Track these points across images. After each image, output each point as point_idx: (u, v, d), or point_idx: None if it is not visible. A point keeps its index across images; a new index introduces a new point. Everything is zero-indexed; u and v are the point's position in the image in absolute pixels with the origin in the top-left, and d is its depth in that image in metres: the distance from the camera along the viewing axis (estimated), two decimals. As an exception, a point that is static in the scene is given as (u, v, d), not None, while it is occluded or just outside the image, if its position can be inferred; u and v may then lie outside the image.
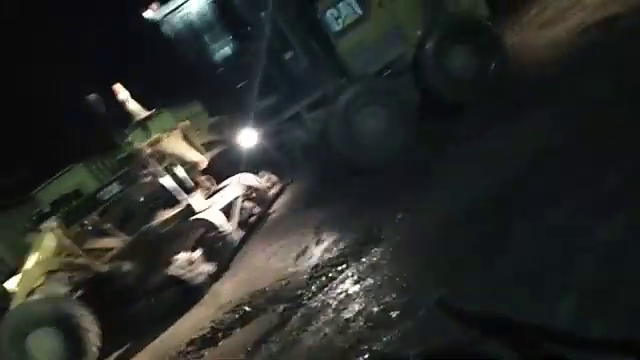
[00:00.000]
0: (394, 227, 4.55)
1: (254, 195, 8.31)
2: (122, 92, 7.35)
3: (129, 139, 6.76)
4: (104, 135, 7.29)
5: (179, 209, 6.96)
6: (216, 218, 6.75)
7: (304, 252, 5.48)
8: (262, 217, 7.99)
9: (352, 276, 4.24)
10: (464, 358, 2.49)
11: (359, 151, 6.12)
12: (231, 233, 6.80)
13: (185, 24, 5.95)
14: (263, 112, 6.21)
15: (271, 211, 8.16)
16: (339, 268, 4.54)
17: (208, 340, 5.07)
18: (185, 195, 6.88)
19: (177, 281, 6.41)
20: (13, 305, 6.38)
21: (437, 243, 3.86)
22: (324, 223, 5.84)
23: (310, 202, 7.11)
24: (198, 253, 6.68)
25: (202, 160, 7.37)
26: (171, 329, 6.22)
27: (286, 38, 6.06)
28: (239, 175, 8.12)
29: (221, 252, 6.78)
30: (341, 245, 4.99)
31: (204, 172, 8.37)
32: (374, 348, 3.08)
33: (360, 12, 6.08)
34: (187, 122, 7.29)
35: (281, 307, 4.56)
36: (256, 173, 8.75)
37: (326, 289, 4.31)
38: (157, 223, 7.23)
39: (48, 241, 6.50)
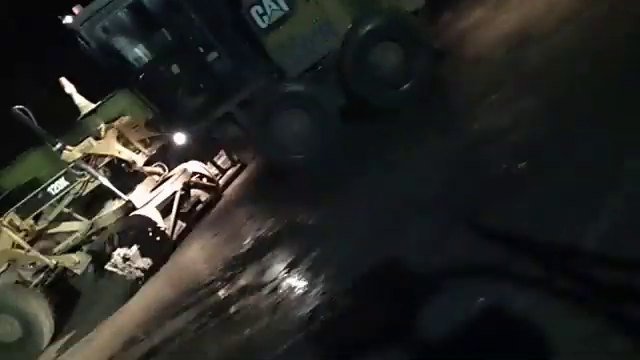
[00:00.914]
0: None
1: (204, 182, 8.21)
2: (67, 86, 7.22)
3: (58, 146, 6.90)
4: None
5: (120, 204, 6.87)
6: (152, 215, 6.83)
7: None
8: (209, 205, 7.90)
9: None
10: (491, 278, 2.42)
11: (280, 153, 6.13)
12: (165, 229, 6.93)
13: (104, 30, 5.59)
14: (192, 113, 6.10)
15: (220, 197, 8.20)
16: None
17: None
18: (122, 194, 7.05)
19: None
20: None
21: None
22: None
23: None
24: (134, 249, 6.72)
25: (137, 158, 7.41)
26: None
27: (209, 38, 5.82)
28: (185, 164, 8.01)
29: (157, 248, 6.90)
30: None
31: (157, 159, 8.28)
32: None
33: (286, 8, 5.73)
34: (125, 118, 7.09)
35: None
36: (212, 157, 8.64)
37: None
38: (103, 216, 7.16)
39: (3, 235, 6.93)
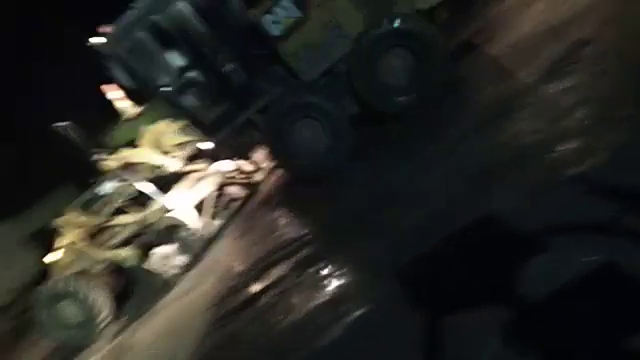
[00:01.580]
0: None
1: (240, 179, 8.49)
2: (112, 91, 7.63)
3: (96, 157, 7.53)
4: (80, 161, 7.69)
5: (156, 207, 7.50)
6: (186, 217, 7.28)
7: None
8: (245, 202, 8.19)
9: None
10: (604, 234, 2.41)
11: (295, 160, 6.29)
12: (199, 229, 7.37)
13: (130, 51, 6.04)
14: (215, 121, 6.36)
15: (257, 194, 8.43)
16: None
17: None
18: (160, 196, 7.51)
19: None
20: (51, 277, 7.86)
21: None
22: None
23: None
24: (173, 247, 7.02)
25: (170, 163, 7.82)
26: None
27: (225, 50, 6.03)
28: (221, 162, 8.30)
29: (192, 246, 7.33)
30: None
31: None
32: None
33: (298, 14, 5.74)
34: (163, 124, 7.44)
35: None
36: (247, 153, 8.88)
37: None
38: (150, 212, 7.72)
39: (67, 229, 7.75)
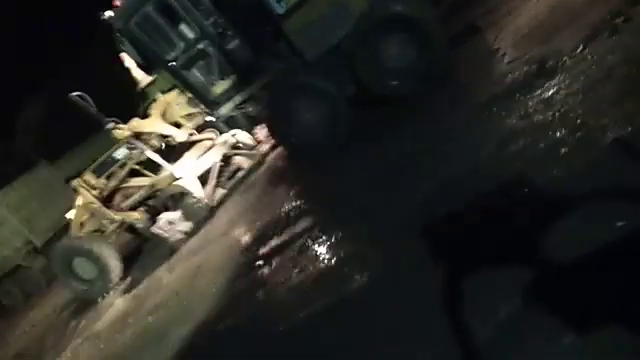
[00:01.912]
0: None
1: (245, 150, 8.77)
2: (127, 60, 7.85)
3: (110, 126, 7.94)
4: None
5: (164, 174, 8.03)
6: (191, 186, 7.72)
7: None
8: (250, 172, 8.46)
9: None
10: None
11: (293, 139, 6.53)
12: (204, 198, 7.79)
13: (138, 26, 6.24)
14: (219, 96, 6.58)
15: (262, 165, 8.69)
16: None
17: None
18: (167, 164, 7.95)
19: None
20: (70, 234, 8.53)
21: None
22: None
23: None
24: (178, 214, 7.58)
25: (178, 133, 8.24)
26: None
27: (229, 26, 6.19)
28: (228, 133, 8.57)
29: (197, 213, 7.80)
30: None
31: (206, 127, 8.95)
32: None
33: None
34: (172, 96, 7.76)
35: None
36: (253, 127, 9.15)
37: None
38: (161, 178, 8.22)
39: (83, 190, 8.27)
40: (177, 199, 7.87)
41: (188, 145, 8.37)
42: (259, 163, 8.62)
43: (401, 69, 5.73)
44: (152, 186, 8.18)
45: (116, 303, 7.60)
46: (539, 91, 3.99)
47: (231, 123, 7.57)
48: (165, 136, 8.03)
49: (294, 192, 6.23)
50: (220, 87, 6.49)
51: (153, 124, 7.83)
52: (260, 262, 5.18)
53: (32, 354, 8.39)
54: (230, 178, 8.45)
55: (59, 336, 8.00)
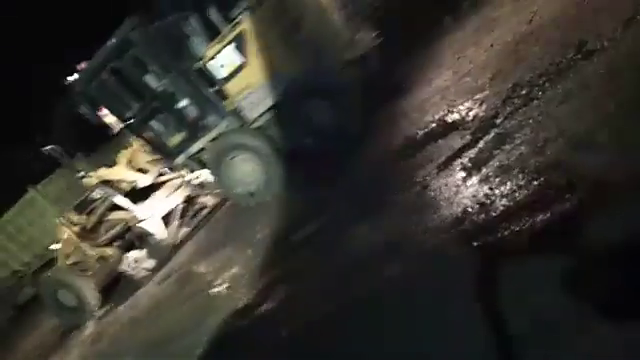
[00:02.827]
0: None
1: (209, 189, 9.34)
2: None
3: (80, 174, 8.74)
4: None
5: (130, 215, 8.58)
6: (154, 227, 8.48)
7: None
8: (212, 210, 9.05)
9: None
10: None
11: (235, 191, 7.28)
12: (166, 238, 8.54)
13: (96, 90, 7.13)
14: (172, 149, 7.44)
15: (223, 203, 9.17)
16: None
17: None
18: (132, 207, 8.57)
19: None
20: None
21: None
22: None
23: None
24: (144, 252, 8.31)
25: (142, 179, 8.81)
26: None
27: (180, 88, 6.98)
28: (193, 174, 9.19)
29: (160, 251, 8.56)
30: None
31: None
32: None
33: (240, 60, 6.51)
34: (134, 145, 8.41)
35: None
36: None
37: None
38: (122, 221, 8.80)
39: (65, 226, 9.00)
40: (144, 237, 8.53)
41: (155, 187, 8.93)
42: (222, 201, 9.22)
43: (321, 129, 6.47)
44: (126, 223, 8.80)
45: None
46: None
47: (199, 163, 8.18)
48: (131, 182, 8.65)
49: (252, 229, 6.80)
50: (175, 139, 7.26)
51: (118, 172, 8.47)
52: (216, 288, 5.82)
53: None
54: (194, 216, 9.06)
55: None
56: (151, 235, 8.44)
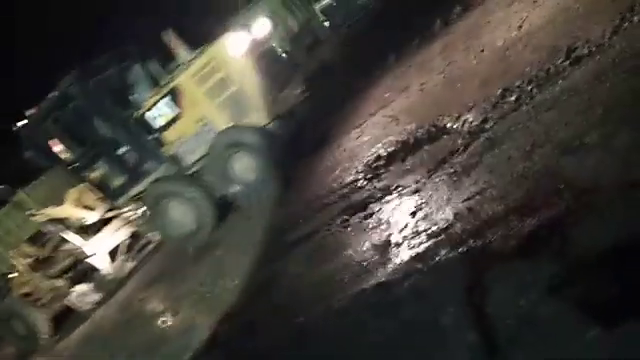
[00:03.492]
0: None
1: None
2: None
3: (29, 212, 9.09)
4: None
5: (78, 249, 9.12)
6: (100, 262, 9.00)
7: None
8: (157, 245, 9.64)
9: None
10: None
11: (170, 234, 8.10)
12: (112, 273, 9.21)
13: (43, 135, 7.71)
14: (114, 191, 8.07)
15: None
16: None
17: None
18: (80, 242, 8.95)
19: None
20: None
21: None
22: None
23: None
24: (90, 285, 8.95)
25: (89, 216, 9.03)
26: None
27: (120, 136, 7.65)
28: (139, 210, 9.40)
29: (106, 286, 9.28)
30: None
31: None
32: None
33: (174, 112, 7.36)
34: (81, 185, 8.72)
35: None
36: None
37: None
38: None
39: (19, 258, 9.35)
40: (92, 271, 9.27)
41: (103, 223, 9.36)
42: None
43: (243, 181, 7.34)
44: (75, 256, 9.32)
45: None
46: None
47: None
48: (79, 219, 9.07)
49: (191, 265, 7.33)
50: (118, 181, 7.97)
51: (66, 210, 8.81)
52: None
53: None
54: (140, 251, 9.61)
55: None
56: (98, 270, 9.01)
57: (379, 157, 5.46)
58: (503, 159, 3.81)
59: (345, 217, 4.82)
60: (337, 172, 6.01)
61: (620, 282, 2.30)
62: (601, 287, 2.35)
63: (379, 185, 4.95)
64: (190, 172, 7.71)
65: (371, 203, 4.69)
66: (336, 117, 7.95)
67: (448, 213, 3.70)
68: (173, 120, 7.35)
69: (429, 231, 3.67)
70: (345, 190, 5.39)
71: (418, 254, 3.55)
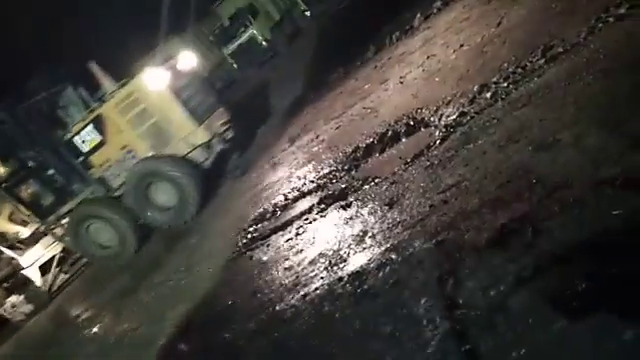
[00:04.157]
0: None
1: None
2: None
3: None
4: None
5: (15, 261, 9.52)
6: (32, 274, 9.49)
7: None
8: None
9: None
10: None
11: (92, 255, 8.75)
12: (43, 286, 9.62)
13: None
14: (43, 210, 8.67)
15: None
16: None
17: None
18: (13, 255, 9.26)
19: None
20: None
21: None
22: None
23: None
24: (22, 297, 9.32)
25: (22, 230, 9.33)
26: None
27: (47, 159, 8.34)
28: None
29: (39, 297, 9.80)
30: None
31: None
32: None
33: (99, 137, 8.14)
34: None
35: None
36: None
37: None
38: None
39: None
40: (26, 283, 9.81)
41: (38, 237, 9.70)
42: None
43: (162, 207, 8.15)
44: (13, 267, 9.61)
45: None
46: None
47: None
48: (14, 233, 9.64)
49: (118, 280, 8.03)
50: (47, 201, 8.70)
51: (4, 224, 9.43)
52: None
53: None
54: (73, 264, 10.34)
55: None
56: (32, 282, 9.22)
57: (357, 148, 5.79)
58: (478, 153, 3.99)
59: (322, 207, 5.05)
60: (315, 163, 6.09)
61: (589, 275, 2.43)
62: (570, 280, 2.45)
63: (357, 176, 5.23)
64: (115, 195, 8.66)
65: (349, 193, 4.96)
66: (314, 109, 7.93)
67: (424, 205, 3.77)
68: (99, 145, 8.24)
69: (404, 222, 3.78)
70: (323, 180, 5.66)
71: (393, 245, 3.72)
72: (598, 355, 2.12)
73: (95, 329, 6.78)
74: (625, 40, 4.04)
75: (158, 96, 7.83)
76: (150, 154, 8.02)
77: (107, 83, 8.41)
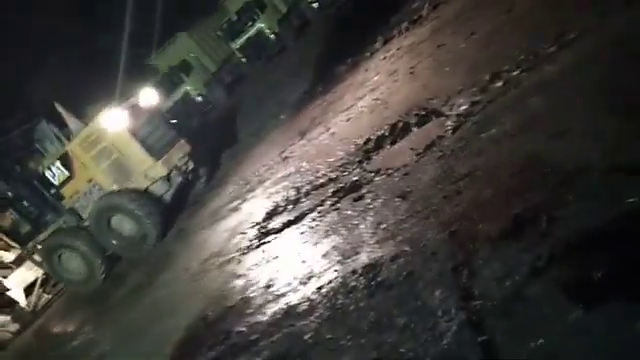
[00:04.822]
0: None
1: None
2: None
3: None
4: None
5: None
6: (17, 296, 10.21)
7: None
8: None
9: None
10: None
11: (67, 280, 9.83)
12: (27, 306, 10.36)
13: None
14: (22, 238, 9.79)
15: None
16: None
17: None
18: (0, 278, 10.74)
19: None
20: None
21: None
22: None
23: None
24: (8, 318, 9.77)
25: (7, 256, 10.15)
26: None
27: (21, 192, 9.52)
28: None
29: (22, 317, 10.56)
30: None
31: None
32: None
33: (67, 173, 9.16)
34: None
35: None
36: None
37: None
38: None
39: None
40: (12, 303, 10.53)
41: (21, 261, 10.68)
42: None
43: (122, 237, 9.06)
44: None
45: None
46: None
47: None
48: None
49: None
50: (25, 229, 9.72)
51: None
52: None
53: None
54: (55, 285, 11.00)
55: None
56: (17, 302, 10.39)
57: (368, 140, 6.06)
58: (491, 143, 3.95)
59: (335, 199, 5.20)
60: (325, 156, 6.08)
61: (604, 264, 2.48)
62: (585, 269, 2.50)
63: (369, 168, 5.46)
64: (86, 224, 9.70)
65: (361, 186, 5.17)
66: (323, 101, 7.91)
67: (436, 195, 3.78)
68: (68, 179, 9.30)
69: (417, 213, 3.80)
70: (335, 173, 5.88)
71: (406, 236, 3.79)
72: (614, 344, 2.14)
73: (77, 343, 7.45)
74: (638, 27, 4.11)
75: (116, 135, 8.80)
76: (114, 187, 9.07)
77: (72, 122, 9.24)
